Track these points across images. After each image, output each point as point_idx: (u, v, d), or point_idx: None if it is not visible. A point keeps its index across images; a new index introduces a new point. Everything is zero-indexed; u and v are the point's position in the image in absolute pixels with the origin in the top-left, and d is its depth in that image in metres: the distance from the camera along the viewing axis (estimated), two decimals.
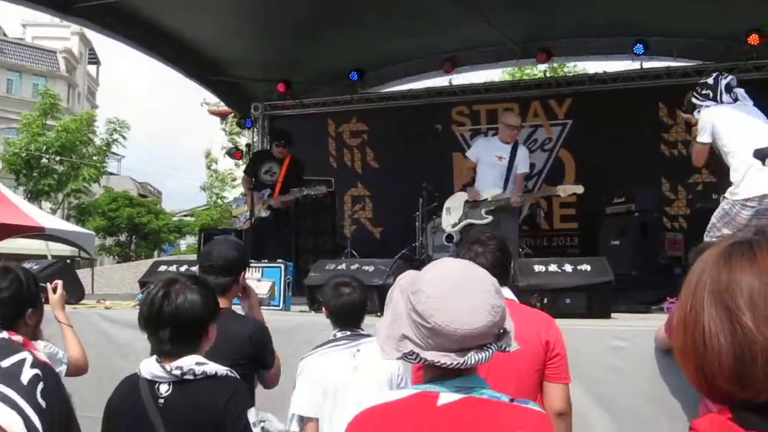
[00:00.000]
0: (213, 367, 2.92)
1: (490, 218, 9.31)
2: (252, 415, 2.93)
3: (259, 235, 9.82)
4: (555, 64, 19.93)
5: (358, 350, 4.19)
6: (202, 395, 2.87)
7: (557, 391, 3.60)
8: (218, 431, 2.85)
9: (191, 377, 2.86)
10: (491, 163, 9.51)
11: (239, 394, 2.95)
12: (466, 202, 9.62)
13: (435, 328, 1.88)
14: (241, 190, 13.92)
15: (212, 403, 2.87)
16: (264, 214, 9.94)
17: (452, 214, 9.85)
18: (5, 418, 2.64)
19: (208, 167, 41.85)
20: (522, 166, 9.61)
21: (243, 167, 11.04)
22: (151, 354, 2.97)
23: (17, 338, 3.06)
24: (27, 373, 2.78)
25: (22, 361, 2.83)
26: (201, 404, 2.86)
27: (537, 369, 3.55)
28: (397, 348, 1.96)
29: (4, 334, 3.05)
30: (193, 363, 2.88)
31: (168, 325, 2.90)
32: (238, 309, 4.30)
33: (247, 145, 12.90)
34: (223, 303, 3.54)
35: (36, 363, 2.69)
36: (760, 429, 1.22)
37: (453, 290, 1.92)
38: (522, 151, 9.68)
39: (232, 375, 2.99)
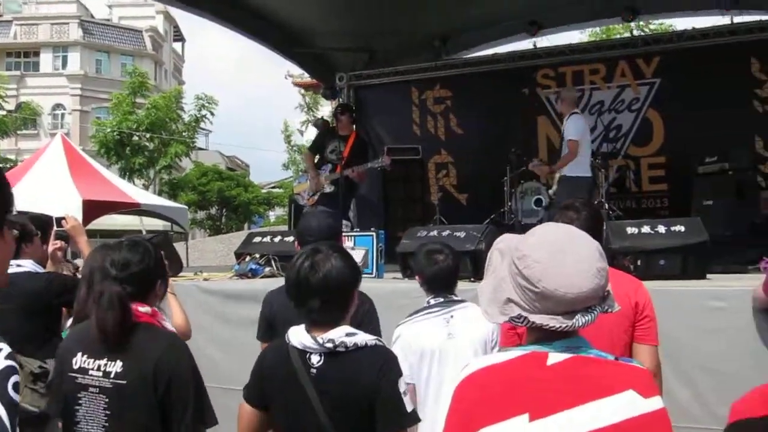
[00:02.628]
0: (363, 338, 2.96)
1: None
2: (402, 384, 2.97)
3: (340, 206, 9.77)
4: (641, 23, 19.50)
5: (452, 316, 4.23)
6: (354, 367, 2.91)
7: (646, 353, 3.59)
8: (371, 402, 2.89)
9: (343, 349, 2.91)
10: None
11: (389, 364, 2.98)
12: None
13: (544, 293, 1.92)
14: None
15: (364, 375, 2.90)
16: (328, 189, 9.94)
17: None
18: None
19: (288, 142, 41.87)
20: (567, 133, 9.78)
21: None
22: (302, 323, 3.02)
23: (145, 309, 3.15)
24: None
25: None
26: (353, 377, 2.90)
27: (627, 330, 3.55)
28: (502, 311, 2.01)
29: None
30: (343, 334, 2.92)
31: (318, 294, 2.94)
32: None
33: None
34: None
35: (9, 355, 2.10)
36: None
37: (559, 254, 1.96)
38: (567, 121, 9.89)
39: (381, 344, 3.04)
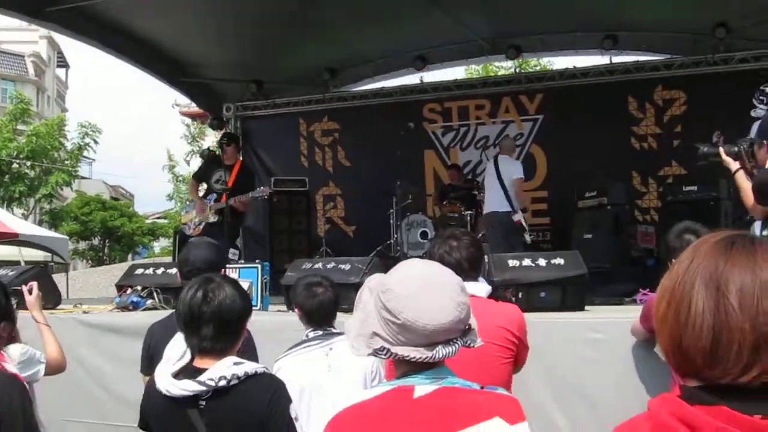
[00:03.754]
0: (251, 366, 2.89)
1: None
2: (293, 411, 2.93)
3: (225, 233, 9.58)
4: (525, 60, 20.02)
5: (331, 349, 4.20)
6: (245, 399, 2.85)
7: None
8: (262, 430, 2.85)
9: (236, 381, 2.83)
10: None
11: (279, 392, 2.94)
12: None
13: (405, 324, 1.97)
14: None
15: (256, 405, 2.85)
16: (212, 219, 9.78)
17: None
18: None
19: (171, 172, 40.91)
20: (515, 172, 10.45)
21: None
22: (192, 351, 2.92)
23: None
24: None
25: None
26: (245, 408, 2.85)
27: (508, 360, 3.58)
28: (368, 344, 2.05)
29: None
30: (231, 365, 2.85)
31: (211, 322, 2.87)
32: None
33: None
34: None
35: None
36: (707, 404, 1.28)
37: (421, 288, 2.02)
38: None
39: (269, 372, 3.00)
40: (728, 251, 1.35)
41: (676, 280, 1.38)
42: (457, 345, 2.02)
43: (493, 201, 10.27)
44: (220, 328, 2.89)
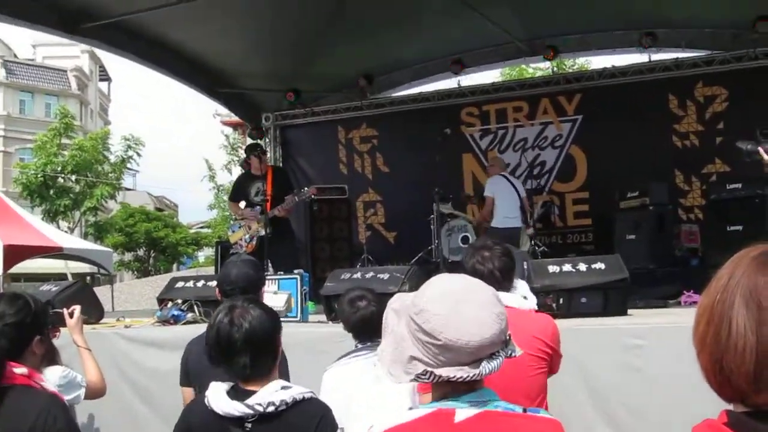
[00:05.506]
0: (298, 391, 2.86)
1: None
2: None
3: (264, 254, 9.45)
4: (560, 60, 19.88)
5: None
6: (291, 422, 2.81)
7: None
8: None
9: (284, 407, 2.80)
10: None
11: (326, 419, 2.90)
12: None
13: (446, 344, 1.89)
14: None
15: (301, 430, 2.82)
16: (262, 232, 9.78)
17: None
18: None
19: (211, 179, 40.79)
20: None
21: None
22: (218, 378, 2.90)
23: (21, 370, 2.99)
24: None
25: None
26: None
27: (542, 370, 3.54)
28: (406, 370, 1.97)
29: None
30: (279, 389, 2.83)
31: (246, 350, 2.84)
32: None
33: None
34: None
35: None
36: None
37: (457, 304, 1.93)
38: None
39: (316, 397, 2.96)
40: (766, 266, 1.29)
41: (715, 298, 1.32)
42: (501, 358, 1.95)
43: (503, 215, 10.50)
44: (256, 354, 2.86)
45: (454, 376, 1.90)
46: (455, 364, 1.90)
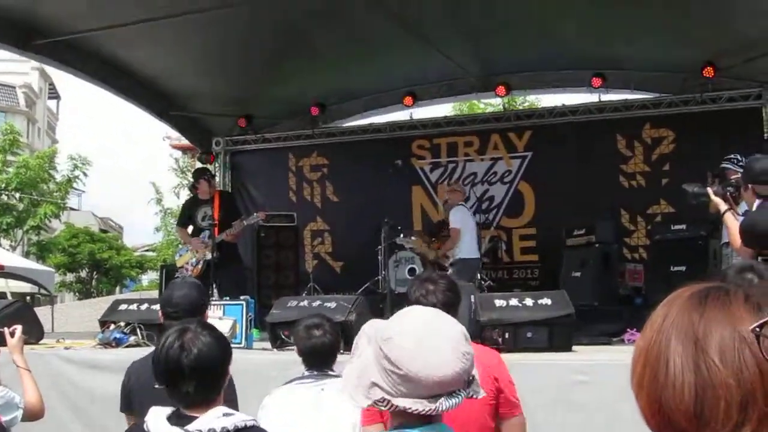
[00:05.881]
0: (240, 419, 2.80)
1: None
2: None
3: (210, 278, 9.35)
4: (511, 97, 20.09)
5: (322, 389, 4.14)
6: None
7: (514, 425, 3.59)
8: None
9: None
10: None
11: None
12: None
13: (408, 375, 1.89)
14: None
15: None
16: (209, 256, 9.70)
17: None
18: None
19: (158, 203, 40.27)
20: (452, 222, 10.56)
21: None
22: (158, 402, 2.85)
23: None
24: None
25: None
26: None
27: (490, 404, 3.54)
28: (367, 395, 1.96)
29: None
30: (221, 415, 2.77)
31: (193, 377, 2.78)
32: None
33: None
34: None
35: None
36: None
37: (425, 338, 1.94)
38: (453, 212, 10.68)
39: (258, 425, 2.90)
40: (702, 304, 1.30)
41: (651, 339, 1.32)
42: (460, 397, 1.95)
43: (471, 246, 10.44)
44: (202, 381, 2.80)
45: (410, 408, 1.91)
46: (414, 396, 1.91)
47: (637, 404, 1.37)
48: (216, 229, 9.53)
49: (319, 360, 4.25)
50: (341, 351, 5.95)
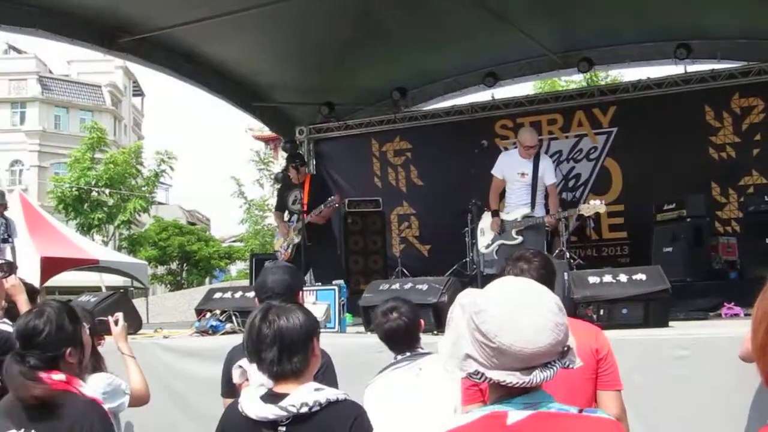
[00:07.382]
0: (332, 393, 2.87)
1: (520, 239, 9.41)
2: None
3: (302, 261, 9.57)
4: (593, 73, 19.78)
5: (420, 369, 4.16)
6: (325, 424, 2.81)
7: (611, 399, 3.57)
8: None
9: (317, 408, 2.80)
10: (515, 179, 9.63)
11: (360, 419, 2.89)
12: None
13: (500, 348, 1.87)
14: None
15: (335, 431, 2.82)
16: (297, 240, 9.87)
17: (486, 235, 9.94)
18: None
19: (241, 194, 40.72)
20: (548, 177, 9.64)
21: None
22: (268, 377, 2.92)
23: (59, 377, 3.07)
24: None
25: None
26: None
27: (589, 378, 3.52)
28: (461, 367, 1.95)
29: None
30: (312, 392, 2.83)
31: (274, 342, 2.86)
32: None
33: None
34: None
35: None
36: None
37: (517, 309, 1.91)
38: (544, 163, 9.70)
39: (350, 399, 2.95)
40: None
41: None
42: (555, 368, 1.91)
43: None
44: (284, 349, 2.87)
45: (504, 381, 1.90)
46: (507, 369, 1.89)
47: (758, 368, 1.35)
48: (304, 215, 9.68)
49: (401, 342, 4.27)
50: (434, 332, 6.01)
